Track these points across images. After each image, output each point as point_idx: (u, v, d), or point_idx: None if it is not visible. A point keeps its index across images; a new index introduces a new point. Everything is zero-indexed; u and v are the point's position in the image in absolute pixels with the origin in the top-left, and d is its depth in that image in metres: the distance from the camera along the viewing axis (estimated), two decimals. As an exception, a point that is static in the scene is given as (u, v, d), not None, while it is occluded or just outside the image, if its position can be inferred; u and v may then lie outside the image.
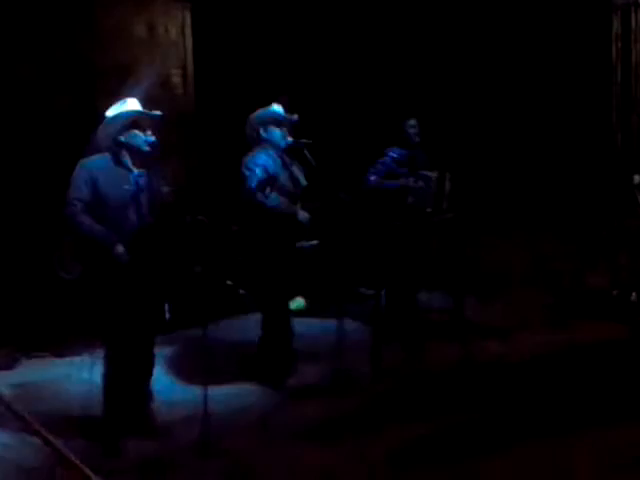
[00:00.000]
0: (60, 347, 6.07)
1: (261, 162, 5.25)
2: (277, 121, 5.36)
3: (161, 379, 5.11)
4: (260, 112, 5.41)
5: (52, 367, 5.87)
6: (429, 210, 6.23)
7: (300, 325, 5.77)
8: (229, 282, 7.55)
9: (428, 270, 6.55)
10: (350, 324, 5.76)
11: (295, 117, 5.42)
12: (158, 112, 4.60)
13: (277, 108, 5.40)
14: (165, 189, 4.66)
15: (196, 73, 7.63)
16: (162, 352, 5.23)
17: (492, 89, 8.36)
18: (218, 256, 6.87)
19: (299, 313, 6.66)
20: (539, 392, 5.09)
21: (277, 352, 5.43)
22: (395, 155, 6.39)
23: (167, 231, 4.64)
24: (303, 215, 5.36)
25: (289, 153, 5.46)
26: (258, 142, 5.37)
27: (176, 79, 7.60)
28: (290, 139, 5.37)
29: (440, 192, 6.29)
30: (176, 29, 7.60)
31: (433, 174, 6.31)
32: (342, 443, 4.48)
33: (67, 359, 5.96)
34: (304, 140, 5.31)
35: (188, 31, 7.65)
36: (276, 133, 5.35)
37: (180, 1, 7.56)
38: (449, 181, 6.33)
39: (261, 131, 5.36)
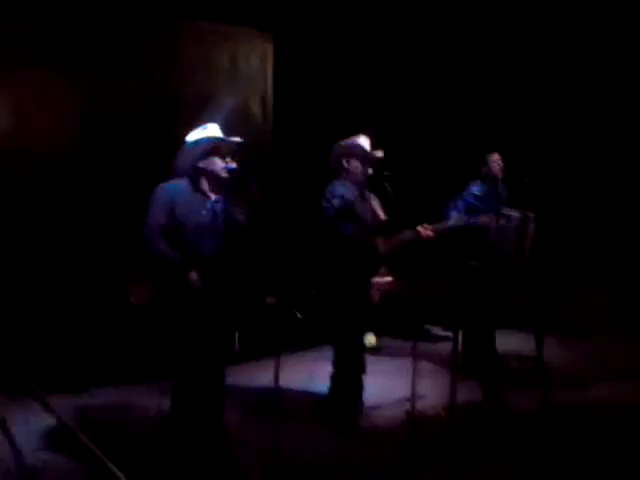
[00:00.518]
0: (129, 374, 6.00)
1: (339, 193, 5.13)
2: (360, 153, 5.25)
3: (230, 413, 4.92)
4: (345, 143, 5.31)
5: (119, 394, 5.80)
6: (511, 251, 5.98)
7: (372, 363, 5.57)
8: (299, 315, 7.46)
9: (507, 312, 6.29)
10: (423, 364, 5.52)
11: (380, 153, 5.30)
12: (238, 138, 4.53)
13: (362, 140, 5.29)
14: (241, 216, 4.56)
15: (276, 103, 7.62)
16: (231, 384, 5.07)
17: (585, 132, 8.10)
18: (291, 287, 6.83)
19: (371, 350, 6.49)
20: (616, 449, 4.76)
21: (349, 390, 5.25)
22: (476, 190, 6.18)
23: (241, 258, 4.54)
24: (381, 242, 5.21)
25: (369, 187, 5.33)
26: (339, 173, 5.27)
27: (256, 109, 7.61)
28: (370, 171, 5.25)
29: (523, 233, 6.03)
30: (257, 59, 7.62)
31: (516, 214, 6.07)
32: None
33: (135, 386, 5.87)
34: (385, 172, 5.18)
35: (269, 62, 7.67)
36: (357, 165, 5.24)
37: (262, 32, 7.59)
38: (533, 222, 6.07)
39: (344, 162, 5.26)
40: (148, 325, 5.09)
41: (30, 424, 5.08)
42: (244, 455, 4.59)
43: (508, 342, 6.31)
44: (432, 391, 5.53)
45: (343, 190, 5.17)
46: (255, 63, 7.62)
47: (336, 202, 5.06)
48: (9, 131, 6.13)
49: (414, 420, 4.99)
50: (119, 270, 6.15)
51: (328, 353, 5.40)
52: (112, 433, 4.98)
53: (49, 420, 5.18)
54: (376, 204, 5.37)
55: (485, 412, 5.28)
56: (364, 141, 5.31)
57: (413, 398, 5.02)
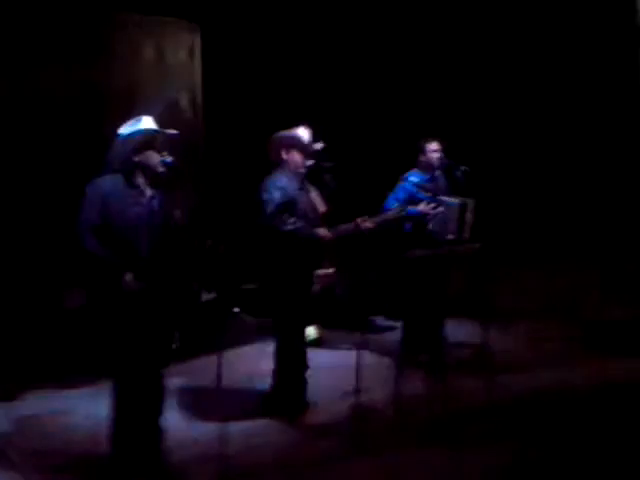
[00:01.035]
0: (63, 379, 5.79)
1: (281, 185, 5.03)
2: (300, 145, 5.16)
3: (171, 414, 4.79)
4: (284, 134, 5.22)
5: (55, 400, 5.58)
6: (450, 238, 5.97)
7: (315, 356, 5.50)
8: (236, 309, 7.35)
9: (449, 301, 6.29)
10: (367, 356, 5.46)
11: (320, 145, 5.22)
12: (174, 131, 4.37)
13: (302, 132, 5.22)
14: (177, 212, 4.41)
15: (207, 96, 7.47)
16: (171, 384, 4.92)
17: (521, 112, 8.17)
18: (229, 282, 6.70)
19: (314, 343, 6.41)
20: (563, 435, 4.79)
21: (292, 385, 5.18)
22: (415, 179, 6.15)
23: (179, 256, 4.39)
24: (324, 232, 5.13)
25: (309, 178, 5.25)
26: (279, 164, 5.16)
27: (185, 102, 7.45)
28: (310, 162, 5.17)
29: (462, 220, 6.03)
30: (185, 52, 7.46)
31: (455, 200, 6.06)
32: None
33: (71, 391, 5.68)
34: (324, 163, 5.10)
35: (197, 54, 7.52)
36: (298, 157, 5.15)
37: (190, 24, 7.43)
38: (472, 209, 6.07)
39: (283, 154, 5.16)
40: (83, 328, 4.92)
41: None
42: (186, 455, 4.46)
43: (450, 330, 6.30)
44: (377, 382, 5.48)
45: (283, 182, 5.08)
46: (183, 55, 7.46)
47: (277, 195, 4.96)
48: None
49: (360, 414, 4.95)
50: (51, 273, 5.96)
51: (269, 348, 5.31)
52: (50, 441, 4.79)
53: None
54: (316, 196, 5.30)
55: (431, 402, 5.24)
56: (304, 132, 5.23)
57: (358, 392, 4.98)
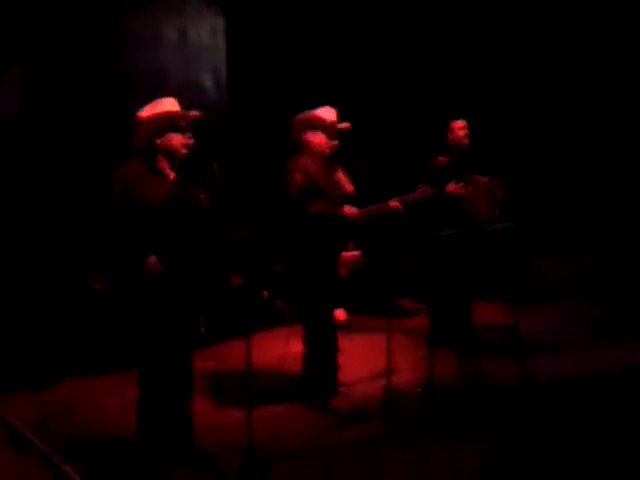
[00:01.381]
0: (93, 362, 5.77)
1: (304, 167, 4.94)
2: (324, 125, 5.05)
3: (200, 399, 4.76)
4: (306, 115, 5.12)
5: (89, 385, 5.59)
6: (480, 218, 5.84)
7: (344, 340, 5.41)
8: (266, 293, 7.28)
9: (478, 282, 6.17)
10: (396, 339, 5.36)
11: (346, 124, 5.11)
12: (196, 112, 4.29)
13: (327, 112, 5.11)
14: (202, 196, 4.33)
15: (231, 78, 7.38)
16: (200, 369, 4.87)
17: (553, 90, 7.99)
18: (257, 266, 6.63)
19: (342, 327, 6.33)
20: (594, 417, 4.68)
21: (322, 369, 5.11)
22: (444, 159, 6.01)
23: (204, 240, 4.32)
24: (350, 209, 5.04)
25: (335, 158, 5.15)
26: (302, 146, 5.06)
27: (208, 83, 7.38)
28: (335, 143, 5.06)
29: (492, 199, 5.90)
30: (208, 33, 7.38)
31: (485, 179, 5.92)
32: (389, 470, 4.15)
33: (105, 376, 5.66)
34: (350, 144, 5.00)
35: (220, 35, 7.43)
36: (322, 138, 5.04)
37: (212, 4, 7.34)
38: (502, 188, 5.93)
39: (306, 135, 5.06)
40: (110, 312, 4.88)
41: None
42: (214, 441, 4.41)
43: (480, 312, 6.19)
44: (407, 366, 5.41)
45: (307, 164, 4.98)
46: (206, 37, 7.37)
47: (300, 177, 4.88)
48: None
49: (391, 397, 4.86)
50: (79, 258, 5.93)
51: (299, 331, 5.22)
52: (82, 428, 4.78)
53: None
54: (342, 177, 5.20)
55: (462, 386, 5.15)
56: (328, 112, 5.12)
57: (388, 375, 4.90)
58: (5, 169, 5.85)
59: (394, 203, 5.21)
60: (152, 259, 4.07)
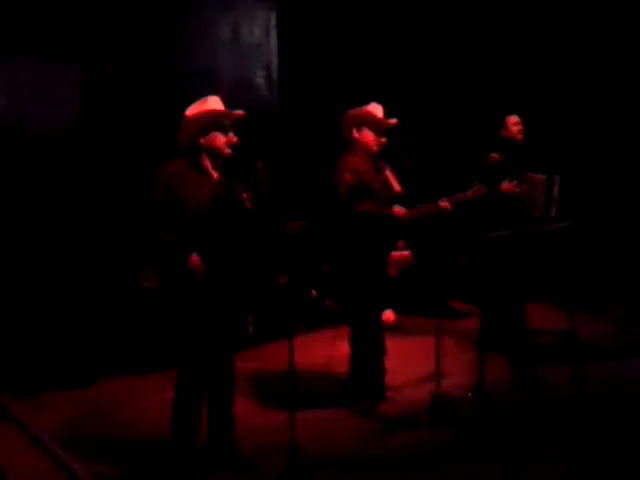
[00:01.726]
0: (137, 361, 5.77)
1: (353, 165, 4.84)
2: (373, 122, 4.94)
3: (243, 401, 4.69)
4: (355, 111, 5.01)
5: (129, 385, 5.58)
6: (536, 216, 5.65)
7: (392, 342, 5.29)
8: (314, 293, 7.20)
9: (534, 283, 5.98)
10: (446, 342, 5.22)
11: (394, 120, 4.98)
12: (241, 111, 4.22)
13: (374, 108, 5.00)
14: (244, 195, 4.26)
15: (282, 74, 7.33)
16: (244, 370, 4.83)
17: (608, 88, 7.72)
18: (306, 265, 6.56)
19: (390, 329, 6.22)
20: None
21: (369, 372, 5.00)
22: (497, 156, 5.83)
23: (249, 240, 4.25)
24: (399, 208, 4.93)
25: (384, 157, 5.03)
26: (351, 144, 4.96)
27: (260, 80, 7.35)
28: (383, 140, 4.95)
29: (548, 197, 5.70)
30: (260, 29, 7.35)
31: (541, 176, 5.73)
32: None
33: (146, 376, 5.66)
34: (399, 141, 4.87)
35: (273, 32, 7.40)
36: (370, 135, 4.93)
37: (265, 2, 7.30)
38: (558, 185, 5.73)
39: (355, 132, 4.96)
40: (157, 311, 4.86)
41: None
42: (256, 444, 4.35)
43: (535, 315, 5.99)
44: (456, 370, 5.27)
45: (355, 162, 4.88)
46: (258, 33, 7.34)
47: (349, 176, 4.77)
48: (7, 119, 5.84)
49: (440, 402, 4.72)
50: (128, 257, 5.94)
51: (346, 332, 5.12)
52: (117, 429, 4.77)
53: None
54: (390, 175, 5.07)
55: (515, 391, 4.98)
56: (376, 109, 5.00)
57: (438, 379, 4.76)
58: (65, 167, 5.96)
59: (443, 203, 5.06)
60: (194, 258, 4.03)
